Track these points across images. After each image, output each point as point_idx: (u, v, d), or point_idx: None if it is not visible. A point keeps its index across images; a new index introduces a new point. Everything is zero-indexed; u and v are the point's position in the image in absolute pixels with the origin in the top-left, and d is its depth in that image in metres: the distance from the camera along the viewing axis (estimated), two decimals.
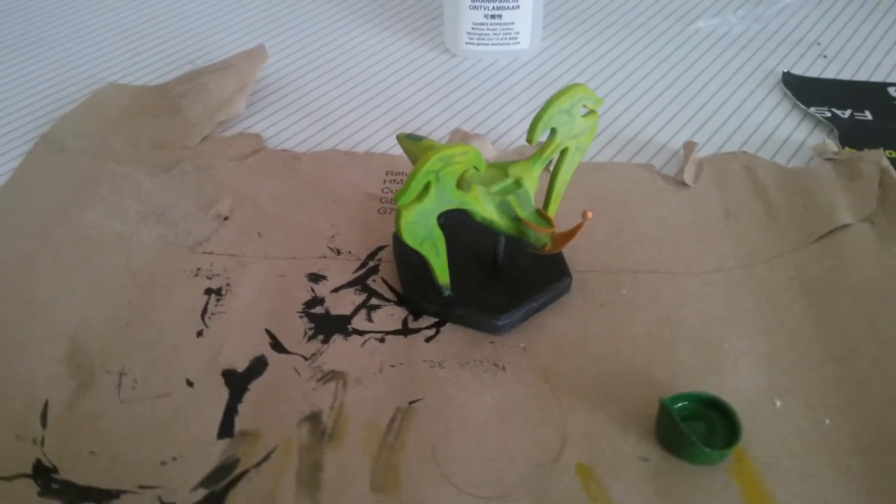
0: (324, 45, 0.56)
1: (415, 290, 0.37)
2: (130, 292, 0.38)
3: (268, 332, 0.36)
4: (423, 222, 0.32)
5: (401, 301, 0.37)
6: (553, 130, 0.35)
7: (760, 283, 0.38)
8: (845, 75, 0.52)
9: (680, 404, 0.32)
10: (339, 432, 0.32)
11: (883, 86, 0.51)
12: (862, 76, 0.52)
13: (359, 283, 0.38)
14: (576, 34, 0.58)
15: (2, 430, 0.32)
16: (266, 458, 0.31)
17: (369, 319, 0.36)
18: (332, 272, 0.39)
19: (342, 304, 0.37)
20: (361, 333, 0.36)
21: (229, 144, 0.46)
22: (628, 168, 0.44)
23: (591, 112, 0.36)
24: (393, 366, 0.34)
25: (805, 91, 0.50)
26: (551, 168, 0.38)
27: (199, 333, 0.36)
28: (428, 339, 0.36)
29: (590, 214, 0.32)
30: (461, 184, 0.35)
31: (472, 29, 0.53)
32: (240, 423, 0.32)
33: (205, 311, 0.37)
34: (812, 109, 0.48)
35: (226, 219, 0.41)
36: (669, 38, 0.57)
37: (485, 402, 0.33)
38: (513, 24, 0.53)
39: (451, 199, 0.32)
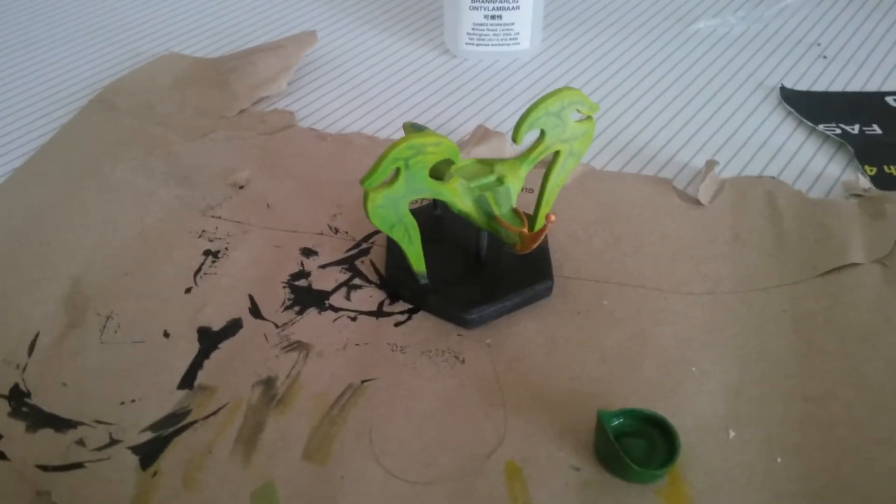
0: (324, 46, 0.57)
1: (394, 275, 0.37)
2: (137, 246, 0.40)
3: (250, 297, 0.37)
4: (392, 207, 0.33)
5: (382, 285, 0.38)
6: (542, 132, 0.35)
7: (750, 312, 0.36)
8: (845, 76, 0.52)
9: (622, 420, 0.31)
10: (289, 399, 0.33)
11: (880, 95, 0.50)
12: (862, 76, 0.52)
13: (347, 262, 0.39)
14: (576, 35, 0.58)
15: (1, 360, 0.35)
16: (215, 413, 0.33)
17: (347, 298, 0.37)
18: (325, 249, 0.40)
19: (326, 280, 0.38)
20: (336, 310, 0.37)
21: (262, 119, 0.48)
22: (644, 180, 0.44)
23: (588, 118, 0.36)
24: (357, 344, 0.35)
25: (806, 106, 0.49)
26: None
27: (188, 290, 0.38)
28: (398, 324, 0.36)
29: (553, 217, 0.32)
30: (443, 174, 0.35)
31: (473, 29, 0.53)
32: (201, 378, 0.34)
33: (199, 270, 0.39)
34: (821, 127, 0.47)
35: (241, 188, 0.43)
36: (669, 39, 0.57)
37: (435, 390, 0.33)
38: (513, 24, 0.53)
39: (423, 188, 0.33)
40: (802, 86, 0.51)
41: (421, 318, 0.37)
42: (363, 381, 0.34)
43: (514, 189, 0.35)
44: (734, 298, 0.37)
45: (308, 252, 0.40)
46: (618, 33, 0.58)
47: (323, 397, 0.33)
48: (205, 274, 0.39)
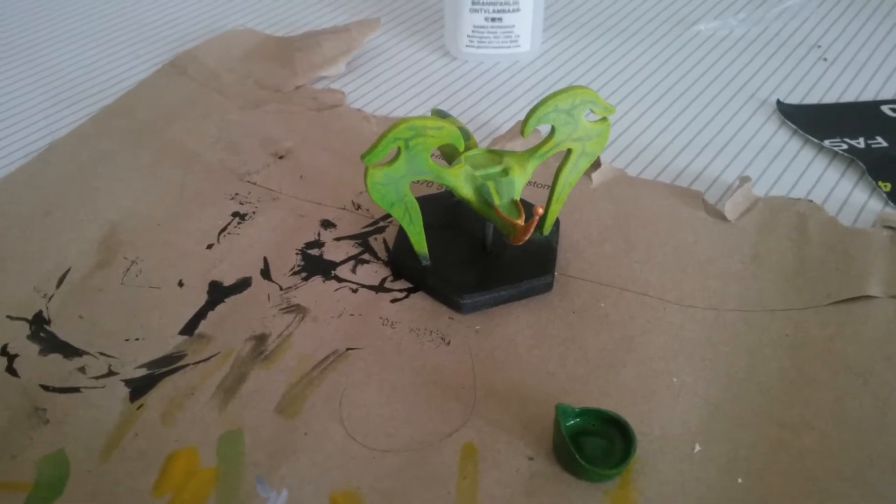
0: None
1: (399, 254, 0.38)
2: (175, 200, 0.43)
3: (265, 259, 0.40)
4: (392, 185, 0.34)
5: (388, 262, 0.39)
6: (553, 129, 0.35)
7: (749, 332, 0.36)
8: (846, 78, 0.52)
9: (581, 417, 0.31)
10: (275, 356, 0.35)
11: (876, 105, 0.50)
12: (862, 79, 0.52)
13: (360, 238, 0.41)
14: (576, 37, 0.58)
15: (27, 280, 0.38)
16: (206, 360, 0.35)
17: (353, 271, 0.39)
18: (343, 223, 0.41)
19: (337, 251, 0.40)
20: (340, 280, 0.38)
21: (314, 96, 0.51)
22: (673, 191, 0.43)
23: (603, 119, 0.36)
24: (352, 315, 0.37)
25: (806, 121, 0.48)
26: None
27: (209, 246, 0.40)
28: (394, 301, 0.37)
29: (540, 210, 0.32)
30: (453, 158, 0.36)
31: (473, 32, 0.53)
32: (202, 327, 0.36)
33: (224, 229, 0.41)
34: (826, 143, 0.46)
35: (281, 158, 0.46)
36: (669, 42, 0.57)
37: (413, 367, 0.34)
38: (513, 27, 0.53)
39: (424, 170, 0.34)
40: (803, 88, 0.51)
41: (418, 297, 0.38)
42: (348, 349, 0.35)
43: (519, 182, 0.36)
44: (737, 317, 0.36)
45: (327, 224, 0.41)
46: (618, 35, 0.58)
47: (307, 358, 0.35)
48: (228, 233, 0.41)
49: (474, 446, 0.31)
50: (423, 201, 0.41)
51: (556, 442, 0.31)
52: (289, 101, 0.50)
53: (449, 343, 0.35)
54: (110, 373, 0.34)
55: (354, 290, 0.38)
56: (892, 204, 0.42)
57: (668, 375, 0.34)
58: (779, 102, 0.50)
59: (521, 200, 0.41)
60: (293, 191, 0.43)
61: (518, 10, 0.52)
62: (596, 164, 0.44)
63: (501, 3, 0.52)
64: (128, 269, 0.39)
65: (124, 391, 0.34)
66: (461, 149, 0.34)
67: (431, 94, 0.52)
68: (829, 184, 0.44)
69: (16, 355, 0.35)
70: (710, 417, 0.32)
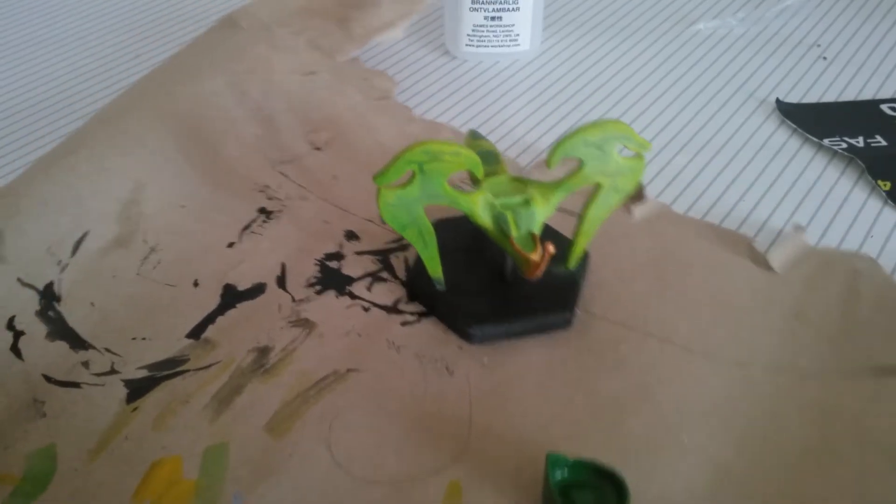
0: None
1: (416, 275, 0.37)
2: (203, 180, 0.42)
3: (283, 265, 0.39)
4: (405, 208, 0.33)
5: (405, 283, 0.38)
6: (581, 161, 0.33)
7: (776, 393, 0.33)
8: (845, 77, 0.52)
9: (573, 468, 0.29)
10: (275, 371, 0.34)
11: (875, 104, 0.50)
12: (862, 78, 0.52)
13: (382, 254, 0.40)
14: (576, 36, 0.58)
15: (41, 236, 0.38)
16: (207, 367, 0.34)
17: (369, 289, 0.38)
18: (367, 236, 0.41)
19: (355, 266, 0.39)
20: (353, 297, 0.37)
21: (366, 76, 0.50)
22: (718, 232, 0.41)
23: (637, 156, 0.34)
24: (359, 335, 0.36)
25: (805, 120, 0.48)
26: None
27: (230, 245, 0.40)
28: (404, 324, 0.36)
29: (551, 249, 0.31)
30: (473, 183, 0.35)
31: (473, 31, 0.53)
32: (209, 332, 0.36)
33: (247, 227, 0.41)
34: (826, 142, 0.46)
35: (317, 149, 0.45)
36: (669, 41, 0.57)
37: (412, 395, 0.33)
38: (513, 26, 0.53)
39: (439, 195, 0.33)
40: (802, 87, 0.52)
41: (429, 322, 0.36)
42: (348, 370, 0.34)
43: (541, 214, 0.34)
44: (765, 376, 0.34)
45: (351, 235, 0.41)
46: (617, 35, 0.58)
47: (306, 376, 0.34)
48: (252, 232, 0.40)
49: (460, 487, 0.30)
50: (446, 224, 0.39)
51: (545, 493, 0.29)
52: (339, 75, 0.49)
53: (452, 374, 0.34)
54: (112, 371, 0.34)
55: (366, 309, 0.37)
56: (891, 203, 0.42)
57: (679, 431, 0.32)
58: (778, 101, 0.50)
59: (548, 228, 0.39)
60: (323, 192, 0.43)
61: (518, 9, 0.52)
62: (639, 197, 0.42)
63: (501, 2, 0.52)
64: (146, 258, 0.39)
65: (122, 391, 0.33)
66: (480, 176, 0.33)
67: (431, 93, 0.52)
68: (828, 183, 0.44)
69: (22, 332, 0.35)
70: (717, 482, 0.30)
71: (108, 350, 0.35)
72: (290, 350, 0.35)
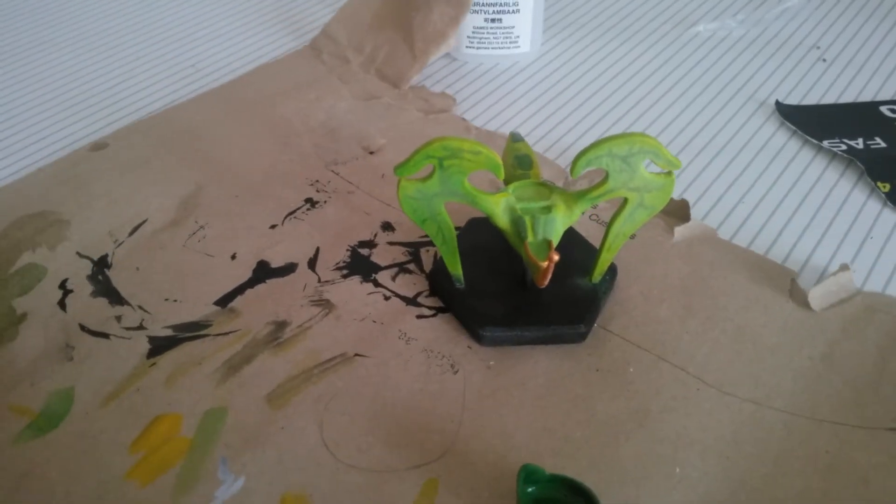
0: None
1: (437, 271, 0.38)
2: (260, 176, 0.45)
3: (317, 249, 0.40)
4: (425, 201, 0.33)
5: (427, 277, 0.39)
6: (607, 173, 0.33)
7: (786, 438, 0.31)
8: (844, 79, 0.53)
9: (552, 484, 0.29)
10: (287, 345, 0.35)
11: (874, 105, 0.50)
12: (861, 79, 0.52)
13: (413, 246, 0.40)
14: (576, 38, 0.58)
15: (104, 223, 0.41)
16: (226, 334, 0.36)
17: (393, 279, 0.39)
18: (402, 228, 0.41)
19: (385, 256, 0.40)
20: (377, 285, 0.38)
21: (426, 98, 0.51)
22: (761, 263, 0.39)
23: (668, 173, 0.33)
24: (374, 322, 0.37)
25: (805, 121, 0.48)
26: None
27: (272, 226, 0.42)
28: (420, 317, 0.37)
29: (555, 256, 0.31)
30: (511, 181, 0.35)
31: (473, 33, 0.53)
32: (236, 302, 0.38)
33: (292, 213, 0.42)
34: (825, 143, 0.46)
35: (371, 153, 0.46)
36: (669, 43, 0.57)
37: (412, 388, 0.34)
38: (513, 27, 0.53)
39: (459, 193, 0.33)
40: (802, 89, 0.52)
41: (445, 319, 0.37)
42: (356, 354, 0.35)
43: (562, 222, 0.34)
44: (778, 418, 0.32)
45: (387, 226, 0.41)
46: (617, 36, 0.58)
47: (315, 354, 0.35)
48: (294, 217, 0.42)
49: (437, 485, 0.30)
50: (478, 223, 0.39)
51: (517, 500, 0.29)
52: (401, 99, 0.50)
53: (456, 372, 0.34)
54: (140, 327, 0.36)
55: (387, 298, 0.38)
56: (890, 204, 0.42)
57: (673, 464, 0.31)
58: (778, 103, 0.50)
59: (578, 238, 0.39)
60: (369, 188, 0.44)
61: (518, 11, 0.53)
62: (683, 218, 0.41)
63: (501, 4, 0.52)
64: (193, 233, 0.41)
65: (145, 347, 0.35)
66: (501, 178, 0.33)
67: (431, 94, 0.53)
68: (827, 184, 0.44)
69: (70, 290, 0.38)
70: None
71: (140, 307, 0.37)
72: (306, 328, 0.36)
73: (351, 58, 0.54)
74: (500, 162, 0.32)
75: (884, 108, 0.50)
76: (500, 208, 0.34)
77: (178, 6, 0.62)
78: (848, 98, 0.51)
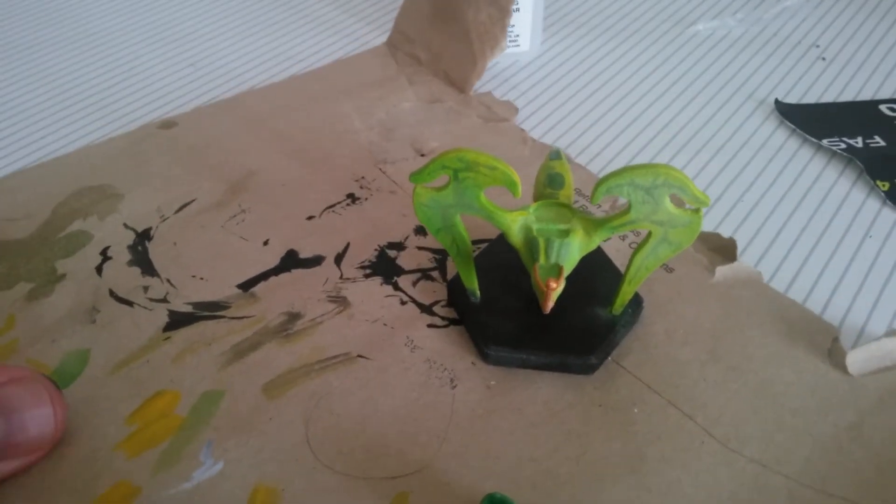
0: (324, 49, 0.56)
1: (456, 282, 0.37)
2: (309, 168, 0.45)
3: (347, 244, 0.40)
4: (439, 212, 0.33)
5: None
6: (629, 203, 0.31)
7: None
8: (844, 77, 0.53)
9: None
10: (295, 338, 0.36)
11: (874, 104, 0.50)
12: (860, 78, 0.53)
13: (441, 253, 0.40)
14: (576, 37, 0.58)
15: (155, 200, 0.43)
16: (241, 318, 0.37)
17: (414, 284, 0.38)
18: None
19: (410, 260, 0.39)
20: (396, 288, 0.38)
21: (489, 105, 0.50)
22: (803, 315, 0.36)
23: (695, 210, 0.31)
24: (385, 325, 0.36)
25: (804, 120, 0.49)
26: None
27: (309, 218, 0.42)
28: (431, 326, 0.36)
29: (553, 285, 0.29)
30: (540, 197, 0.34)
31: None
32: (258, 287, 0.38)
33: (331, 206, 0.43)
34: (825, 142, 0.46)
35: (422, 155, 0.46)
36: (668, 41, 0.58)
37: (406, 396, 0.33)
38: (513, 26, 0.53)
39: (474, 206, 0.32)
40: (801, 87, 0.52)
41: (456, 331, 0.36)
42: (358, 356, 0.35)
43: (578, 248, 0.32)
44: (783, 485, 0.30)
45: (420, 230, 0.41)
46: (617, 35, 0.58)
47: (320, 350, 0.35)
48: (332, 211, 0.42)
49: (407, 499, 0.30)
50: (502, 237, 0.39)
51: None
52: (464, 105, 0.50)
53: (454, 387, 0.34)
54: (164, 300, 0.38)
55: (403, 303, 0.37)
56: (890, 203, 0.43)
57: None
58: (777, 102, 0.50)
59: (609, 265, 0.37)
60: (412, 190, 0.43)
61: (518, 9, 0.52)
62: (729, 257, 0.39)
63: None
64: (234, 216, 0.42)
65: (164, 320, 0.37)
66: (517, 196, 0.32)
67: None
68: (827, 183, 0.45)
69: (110, 258, 0.40)
70: None
71: (168, 280, 0.38)
72: (318, 322, 0.36)
73: (421, 56, 0.54)
74: (517, 179, 0.31)
75: (883, 107, 0.50)
76: (516, 226, 0.33)
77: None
78: (847, 97, 0.51)
